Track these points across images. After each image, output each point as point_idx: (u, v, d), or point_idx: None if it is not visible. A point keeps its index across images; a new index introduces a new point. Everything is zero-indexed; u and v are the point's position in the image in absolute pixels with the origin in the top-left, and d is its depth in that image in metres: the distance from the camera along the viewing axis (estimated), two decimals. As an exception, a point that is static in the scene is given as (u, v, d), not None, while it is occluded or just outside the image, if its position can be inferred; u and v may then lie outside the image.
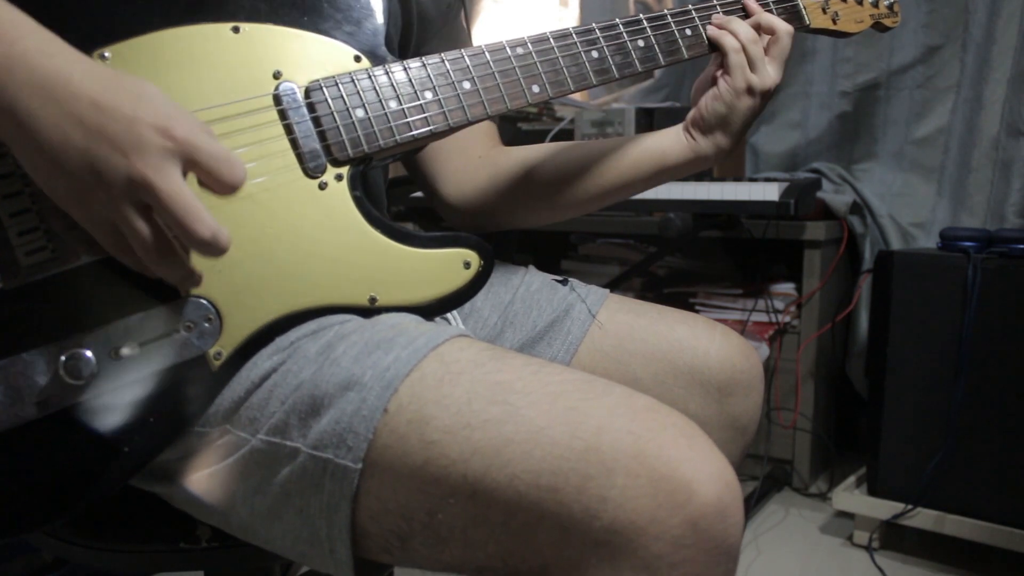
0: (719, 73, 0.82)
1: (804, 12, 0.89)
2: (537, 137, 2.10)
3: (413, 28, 0.84)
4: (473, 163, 0.91)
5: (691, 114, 0.84)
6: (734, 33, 0.81)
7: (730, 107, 0.81)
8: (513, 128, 2.19)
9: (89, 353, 0.56)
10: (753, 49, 0.81)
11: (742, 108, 0.81)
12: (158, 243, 0.52)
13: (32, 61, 0.50)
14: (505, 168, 0.90)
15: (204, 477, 0.62)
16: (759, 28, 0.83)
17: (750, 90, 0.81)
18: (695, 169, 0.86)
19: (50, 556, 1.31)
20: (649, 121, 1.97)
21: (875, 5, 0.96)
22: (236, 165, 0.54)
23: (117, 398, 0.57)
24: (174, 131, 0.51)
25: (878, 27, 0.98)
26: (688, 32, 0.82)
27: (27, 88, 0.49)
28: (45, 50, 0.51)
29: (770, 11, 0.86)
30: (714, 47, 0.83)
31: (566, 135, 2.06)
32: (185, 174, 0.52)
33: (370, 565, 0.61)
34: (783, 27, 0.83)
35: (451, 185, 0.91)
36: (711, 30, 0.83)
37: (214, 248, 0.53)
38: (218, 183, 0.53)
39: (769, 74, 0.81)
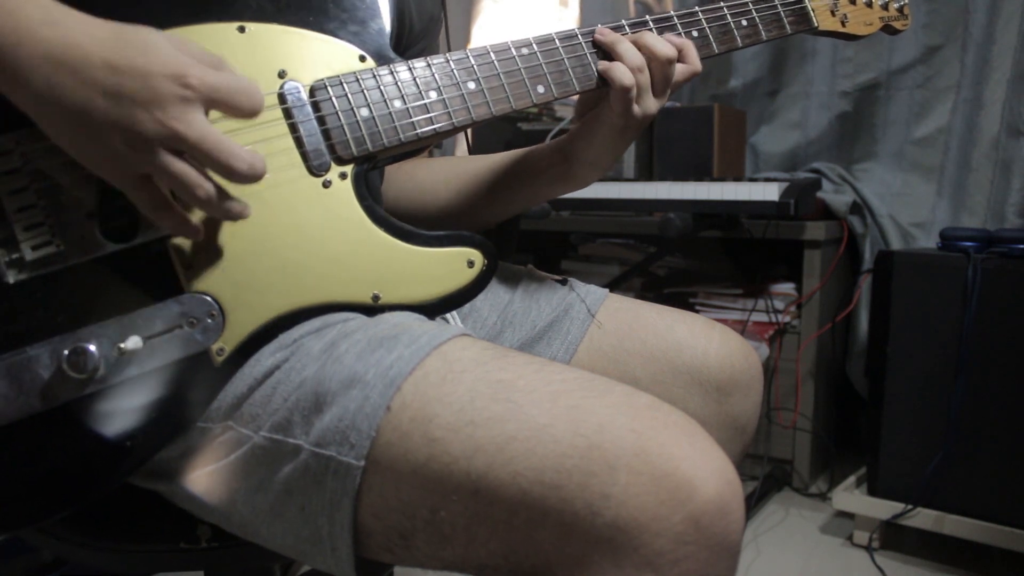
0: (601, 104, 0.78)
1: (812, 14, 0.89)
2: (537, 137, 2.10)
3: (404, 35, 0.84)
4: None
5: (570, 133, 0.82)
6: (629, 65, 0.74)
7: (605, 134, 0.78)
8: (513, 128, 2.19)
9: (92, 347, 0.56)
10: (642, 80, 0.75)
11: (616, 138, 0.79)
12: (199, 177, 0.54)
13: (36, 32, 0.50)
14: (398, 182, 0.91)
15: (206, 475, 0.62)
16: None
17: (627, 124, 0.76)
18: (565, 190, 0.85)
19: (50, 556, 1.31)
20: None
21: (885, 8, 0.95)
22: (254, 93, 0.56)
23: (120, 393, 0.57)
24: (189, 78, 0.52)
25: (888, 30, 0.96)
26: (695, 34, 0.82)
27: (37, 60, 0.50)
28: (47, 18, 0.51)
29: (776, 12, 0.85)
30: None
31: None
32: (207, 113, 0.54)
33: (371, 564, 0.61)
34: (667, 54, 0.76)
35: None
36: (601, 64, 0.76)
37: (254, 176, 0.55)
38: (241, 113, 0.56)
39: (650, 107, 0.77)
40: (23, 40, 0.50)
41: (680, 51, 0.78)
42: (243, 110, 0.55)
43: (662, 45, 0.76)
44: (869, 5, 0.94)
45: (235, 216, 0.59)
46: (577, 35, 0.76)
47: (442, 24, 0.94)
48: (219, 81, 0.54)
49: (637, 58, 0.75)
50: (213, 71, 0.54)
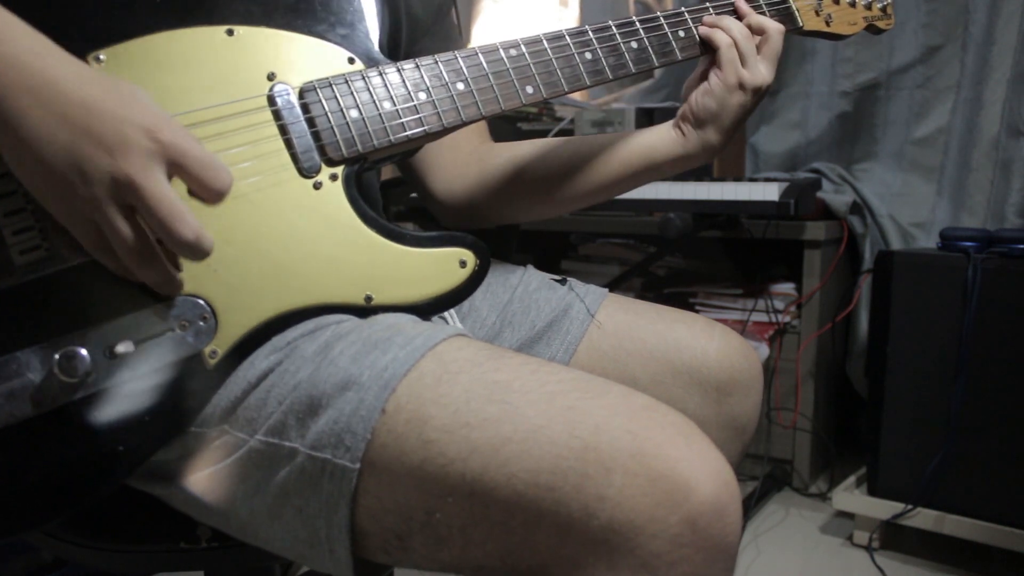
0: (711, 69, 0.83)
1: (797, 14, 0.90)
2: (537, 137, 2.09)
3: (402, 29, 0.84)
4: (463, 159, 0.91)
5: (682, 109, 0.84)
6: (726, 29, 0.82)
7: (721, 102, 0.81)
8: (513, 128, 2.19)
9: (84, 351, 0.56)
10: (745, 45, 0.81)
11: (733, 104, 0.81)
12: (140, 245, 0.53)
13: (23, 61, 0.50)
14: (494, 165, 0.90)
15: (203, 478, 0.62)
16: (750, 28, 0.83)
17: (741, 86, 0.81)
18: (684, 167, 0.86)
19: (50, 556, 1.31)
20: (649, 121, 1.98)
21: (868, 7, 0.96)
22: (222, 171, 0.54)
23: (112, 396, 0.57)
24: (160, 133, 0.51)
25: (872, 29, 0.98)
26: (681, 34, 0.82)
27: (17, 88, 0.50)
28: (37, 51, 0.51)
29: (761, 13, 0.86)
30: (706, 47, 0.83)
31: (566, 135, 2.06)
32: (170, 177, 0.53)
33: (369, 565, 0.60)
34: (774, 27, 0.83)
35: (441, 182, 0.92)
36: (703, 28, 0.83)
37: (197, 250, 0.53)
38: (204, 189, 0.54)
39: (761, 72, 0.82)
40: (8, 68, 0.49)
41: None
42: (207, 186, 0.54)
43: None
44: (852, 5, 0.95)
45: (166, 290, 0.57)
46: (565, 36, 0.77)
47: (452, 4, 0.93)
48: (191, 148, 0.53)
49: (739, 27, 0.82)
50: (189, 138, 0.53)
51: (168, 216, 0.51)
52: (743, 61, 0.81)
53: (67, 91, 0.50)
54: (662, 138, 0.85)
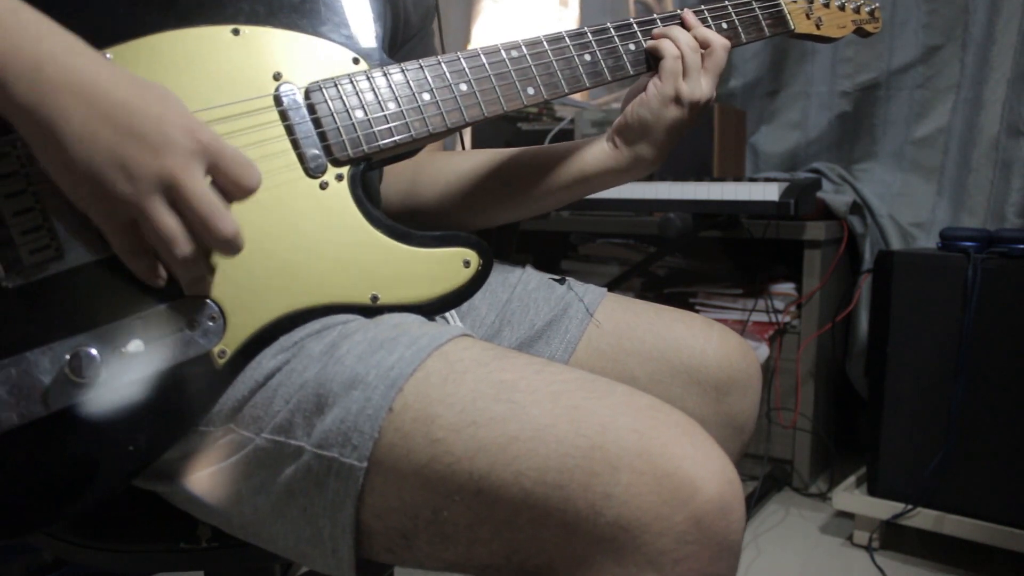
0: (651, 79, 0.80)
1: (789, 17, 0.91)
2: (537, 137, 2.10)
3: (399, 32, 0.84)
4: (399, 166, 0.90)
5: (617, 121, 0.82)
6: (674, 40, 0.79)
7: (656, 115, 0.79)
8: (513, 128, 2.19)
9: (94, 351, 0.56)
10: (691, 57, 0.79)
11: (668, 117, 0.79)
12: (184, 239, 0.54)
13: (60, 59, 0.50)
14: (428, 173, 0.90)
15: (207, 476, 0.62)
16: (696, 40, 0.80)
17: (678, 99, 0.78)
18: (617, 181, 0.83)
19: (50, 556, 1.31)
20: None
21: (856, 11, 0.98)
22: (254, 170, 0.56)
23: (122, 396, 0.57)
24: (199, 134, 0.53)
25: (860, 33, 0.99)
26: None
27: (57, 86, 0.50)
28: (72, 49, 0.51)
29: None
30: (652, 60, 0.81)
31: (566, 135, 2.07)
32: (205, 175, 0.54)
33: (371, 566, 0.61)
34: (719, 41, 0.80)
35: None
36: (651, 40, 0.81)
37: (233, 247, 0.56)
38: (237, 186, 0.56)
39: (701, 86, 0.79)
40: (44, 65, 0.50)
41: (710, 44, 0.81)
42: (240, 183, 0.56)
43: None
44: (842, 8, 0.96)
45: (196, 289, 0.59)
46: (565, 38, 0.77)
47: (435, 14, 0.94)
48: (225, 147, 0.55)
49: (687, 38, 0.80)
50: (221, 138, 0.55)
51: (210, 213, 0.53)
52: (685, 73, 0.79)
53: (107, 90, 0.51)
54: (594, 152, 0.82)
